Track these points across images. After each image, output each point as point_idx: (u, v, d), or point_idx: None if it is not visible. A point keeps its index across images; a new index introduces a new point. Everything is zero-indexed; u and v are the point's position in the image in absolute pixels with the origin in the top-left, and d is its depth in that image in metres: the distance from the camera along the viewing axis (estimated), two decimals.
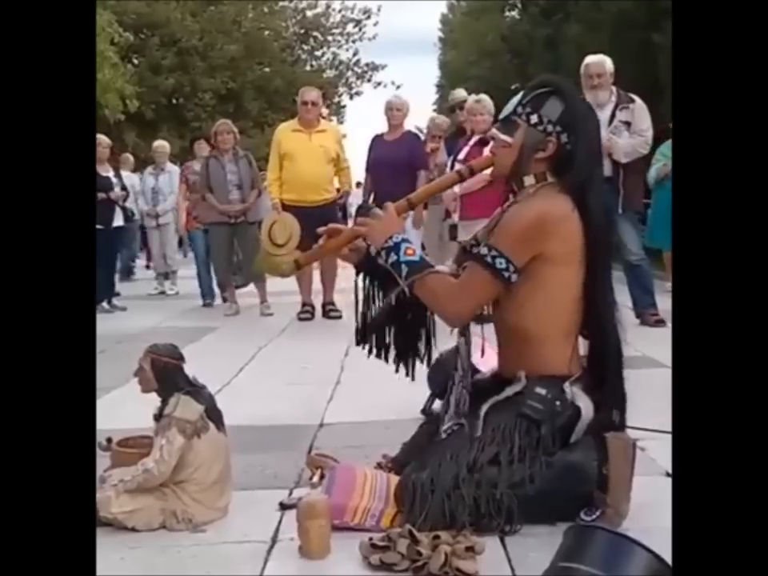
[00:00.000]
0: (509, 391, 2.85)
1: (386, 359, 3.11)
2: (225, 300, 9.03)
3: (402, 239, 2.89)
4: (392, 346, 3.08)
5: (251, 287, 8.80)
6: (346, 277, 4.00)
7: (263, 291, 8.61)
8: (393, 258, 2.87)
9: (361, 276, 3.10)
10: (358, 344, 3.13)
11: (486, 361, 3.14)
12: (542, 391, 2.79)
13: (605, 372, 2.87)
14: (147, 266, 13.75)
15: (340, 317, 7.97)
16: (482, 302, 2.89)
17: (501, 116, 2.96)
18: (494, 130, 2.96)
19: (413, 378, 3.18)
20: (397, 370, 3.13)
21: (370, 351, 3.11)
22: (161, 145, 11.29)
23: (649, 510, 2.78)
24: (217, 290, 9.35)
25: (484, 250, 2.79)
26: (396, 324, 3.05)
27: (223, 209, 8.37)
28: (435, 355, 3.19)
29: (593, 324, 2.89)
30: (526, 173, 2.89)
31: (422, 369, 3.87)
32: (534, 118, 2.84)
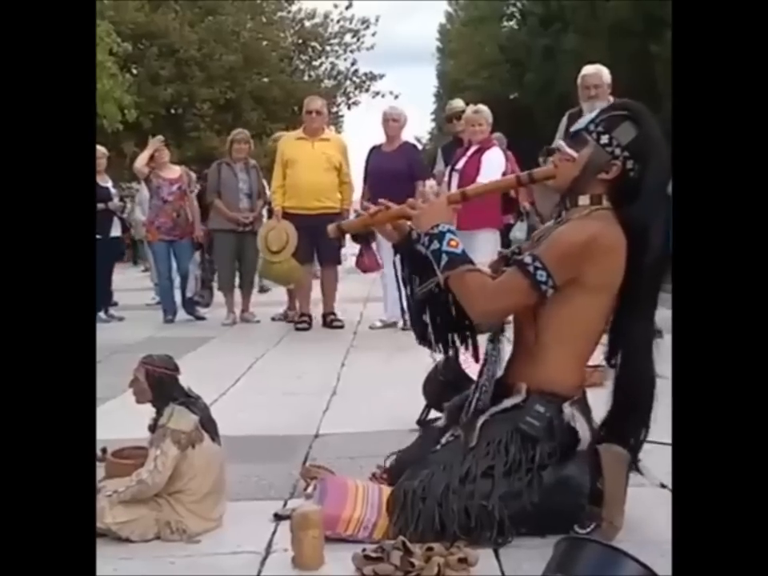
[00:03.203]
0: (507, 403, 2.85)
1: (430, 346, 3.11)
2: (192, 314, 9.04)
3: (447, 229, 2.88)
4: (431, 331, 3.08)
5: (255, 297, 8.88)
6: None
7: (247, 300, 8.88)
8: (435, 245, 2.86)
9: (398, 257, 3.15)
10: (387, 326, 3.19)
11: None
12: (540, 408, 2.79)
13: (634, 401, 2.85)
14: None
15: (342, 326, 8.00)
16: (513, 308, 2.88)
17: (572, 129, 2.93)
18: (560, 142, 2.92)
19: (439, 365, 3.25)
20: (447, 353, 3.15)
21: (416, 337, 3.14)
22: None
23: (643, 522, 2.78)
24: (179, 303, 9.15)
25: (528, 259, 2.77)
26: (435, 312, 3.05)
27: (233, 216, 8.45)
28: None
29: (625, 356, 2.86)
30: (583, 191, 2.86)
31: (418, 379, 3.89)
32: (605, 139, 2.81)
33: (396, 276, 3.15)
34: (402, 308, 3.17)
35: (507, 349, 3.03)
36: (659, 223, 2.74)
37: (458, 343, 3.10)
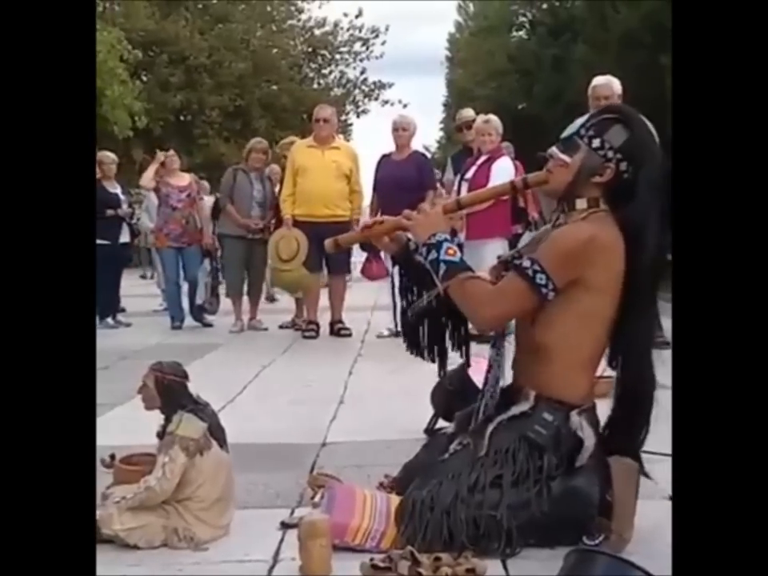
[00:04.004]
0: (515, 410, 2.84)
1: (420, 355, 3.14)
2: (199, 321, 9.06)
3: (444, 238, 2.88)
4: (425, 342, 3.11)
5: (263, 305, 8.90)
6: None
7: (255, 308, 8.91)
8: (433, 255, 2.87)
9: (396, 268, 3.17)
10: (397, 335, 3.20)
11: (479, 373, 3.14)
12: (548, 417, 2.78)
13: (634, 401, 2.85)
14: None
15: (350, 334, 8.01)
16: (514, 313, 2.87)
17: (563, 135, 2.94)
18: (553, 148, 2.91)
19: (445, 374, 3.22)
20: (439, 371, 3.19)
21: (407, 346, 3.16)
22: None
23: (652, 534, 2.76)
24: (186, 310, 9.20)
25: (527, 263, 2.77)
26: (430, 321, 3.07)
27: (244, 222, 8.49)
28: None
29: (625, 356, 2.86)
30: (579, 195, 2.86)
31: (426, 389, 3.89)
32: (596, 142, 2.82)
33: (392, 286, 3.16)
34: (395, 318, 3.18)
35: (510, 354, 3.02)
36: (654, 223, 2.76)
37: (450, 351, 3.12)
